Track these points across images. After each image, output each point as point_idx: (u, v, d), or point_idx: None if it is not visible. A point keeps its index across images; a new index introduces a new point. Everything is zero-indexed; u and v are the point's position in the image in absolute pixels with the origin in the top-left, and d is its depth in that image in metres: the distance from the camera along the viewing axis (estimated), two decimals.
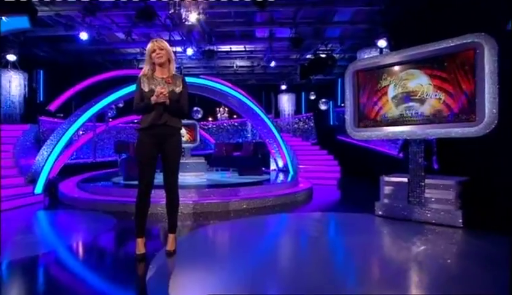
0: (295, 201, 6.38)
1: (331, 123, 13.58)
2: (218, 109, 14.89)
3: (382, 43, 7.57)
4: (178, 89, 3.03)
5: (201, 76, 9.32)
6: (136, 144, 3.02)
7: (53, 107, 9.02)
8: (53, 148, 6.86)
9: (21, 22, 4.18)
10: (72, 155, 9.56)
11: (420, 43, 4.26)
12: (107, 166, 10.42)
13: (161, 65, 3.02)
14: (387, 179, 4.76)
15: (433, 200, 4.21)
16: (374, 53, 8.01)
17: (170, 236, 3.13)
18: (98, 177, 8.29)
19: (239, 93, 9.35)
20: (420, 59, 4.24)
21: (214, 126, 14.41)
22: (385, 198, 4.73)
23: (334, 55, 9.96)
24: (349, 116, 5.02)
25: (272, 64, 10.97)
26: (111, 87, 7.75)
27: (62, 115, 9.62)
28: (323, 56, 9.59)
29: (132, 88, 7.49)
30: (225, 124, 14.29)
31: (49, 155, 6.80)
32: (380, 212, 4.70)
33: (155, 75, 3.04)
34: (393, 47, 6.66)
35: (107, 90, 7.61)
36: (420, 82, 4.25)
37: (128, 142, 9.58)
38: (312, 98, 14.10)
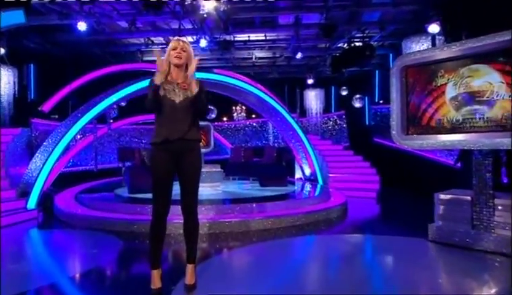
0: (328, 219, 6.28)
1: (367, 122, 13.32)
2: (234, 107, 14.85)
3: (433, 28, 7.23)
4: (192, 93, 2.97)
5: (215, 70, 9.29)
6: (150, 160, 3.03)
7: (46, 107, 9.11)
8: (49, 155, 6.90)
9: (17, 17, 4.22)
10: (68, 162, 9.66)
11: (484, 29, 4.03)
12: (108, 174, 10.50)
13: (178, 66, 2.99)
14: (443, 196, 4.58)
15: (506, 225, 3.98)
16: (424, 41, 7.73)
17: (189, 267, 3.09)
18: (98, 188, 8.36)
19: (259, 89, 9.27)
20: (488, 52, 4.01)
21: (230, 127, 14.38)
22: (441, 220, 4.55)
23: (372, 43, 9.71)
24: (395, 121, 4.85)
25: (299, 55, 10.81)
26: (113, 84, 7.79)
27: (57, 116, 9.73)
28: (359, 44, 9.37)
29: (140, 85, 7.67)
30: (242, 125, 14.22)
31: (44, 164, 6.85)
32: (434, 237, 4.52)
33: (169, 78, 3.00)
34: (448, 32, 6.35)
35: (108, 87, 7.64)
36: (488, 79, 4.02)
37: (132, 148, 9.62)
38: (344, 93, 13.84)
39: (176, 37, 3.05)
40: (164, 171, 2.96)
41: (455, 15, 6.11)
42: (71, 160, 10.08)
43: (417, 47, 7.66)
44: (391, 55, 11.55)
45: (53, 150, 6.95)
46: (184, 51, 2.97)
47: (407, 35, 8.63)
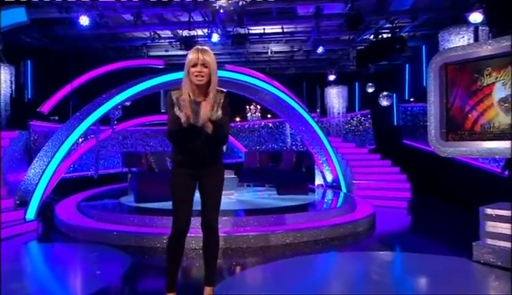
0: (355, 233, 6.20)
1: (395, 123, 13.15)
2: (248, 107, 14.81)
3: (475, 17, 7.00)
4: (217, 115, 2.89)
5: (226, 66, 9.26)
6: (171, 176, 3.07)
7: (45, 108, 9.15)
8: (49, 161, 6.90)
9: (18, 15, 4.24)
10: (69, 168, 9.71)
11: None
12: (112, 179, 10.53)
13: (199, 87, 2.88)
14: (490, 211, 4.40)
15: None
16: (464, 33, 7.49)
17: (207, 290, 3.09)
18: (102, 196, 8.39)
19: (275, 86, 9.23)
20: None
21: (243, 128, 14.32)
22: (488, 238, 4.37)
23: (403, 35, 9.54)
24: (433, 125, 4.77)
25: (320, 50, 10.72)
26: (117, 82, 7.81)
27: (57, 118, 9.80)
28: (388, 36, 9.22)
29: (146, 84, 7.67)
30: (257, 126, 14.16)
31: (44, 170, 6.85)
32: (480, 258, 4.35)
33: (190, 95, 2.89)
34: (493, 22, 6.14)
35: (111, 86, 7.66)
36: None
37: (138, 153, 9.63)
38: (370, 90, 13.68)
39: (196, 47, 2.91)
40: (186, 188, 3.02)
41: (502, 1, 5.91)
42: (72, 165, 10.13)
43: (457, 40, 7.44)
44: (424, 46, 11.38)
45: (53, 155, 6.94)
46: (206, 66, 2.81)
47: (444, 25, 8.43)
